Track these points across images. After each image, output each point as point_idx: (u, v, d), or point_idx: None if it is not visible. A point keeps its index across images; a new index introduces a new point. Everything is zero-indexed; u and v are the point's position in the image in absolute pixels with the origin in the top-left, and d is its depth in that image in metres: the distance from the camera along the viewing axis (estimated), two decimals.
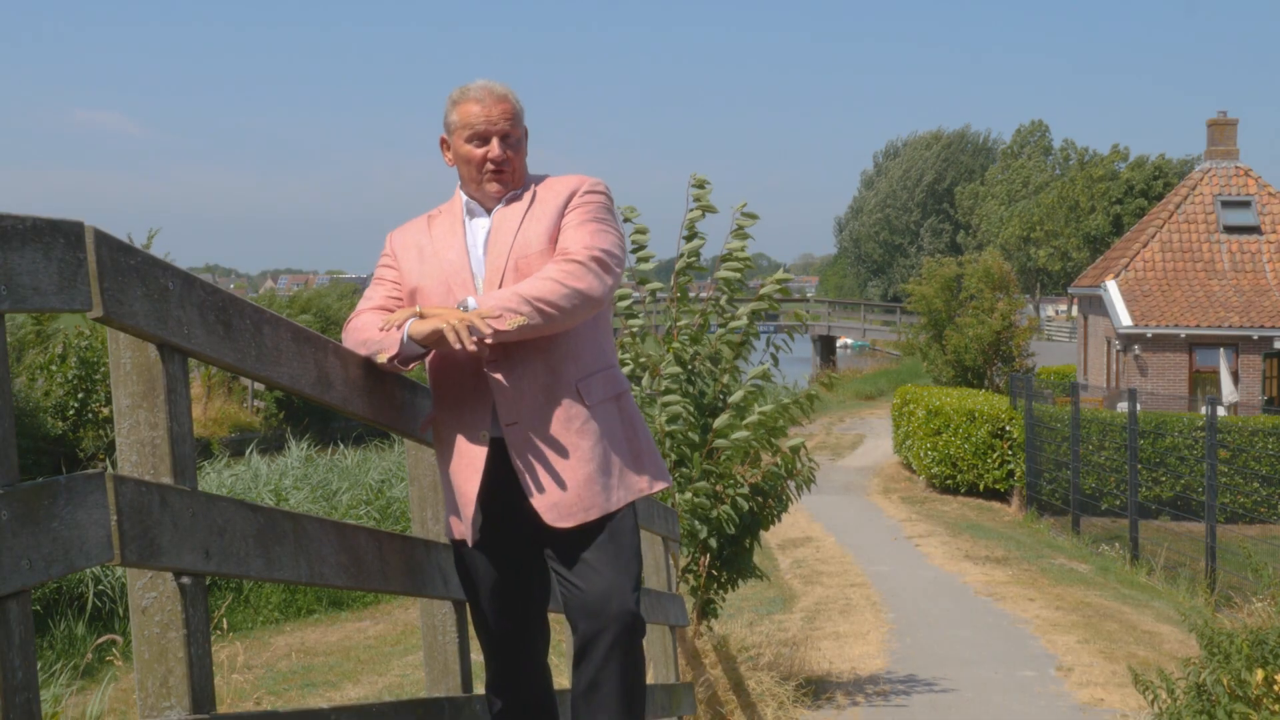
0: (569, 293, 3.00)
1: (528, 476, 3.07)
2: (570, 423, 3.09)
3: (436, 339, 2.97)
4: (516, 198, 3.20)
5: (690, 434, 7.64)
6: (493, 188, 3.18)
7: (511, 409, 3.07)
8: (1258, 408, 24.49)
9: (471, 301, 2.99)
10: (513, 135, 3.17)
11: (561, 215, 3.15)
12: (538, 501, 3.07)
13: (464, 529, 3.16)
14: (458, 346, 2.96)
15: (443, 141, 3.25)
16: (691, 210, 7.57)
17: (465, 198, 3.24)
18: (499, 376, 3.08)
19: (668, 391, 7.57)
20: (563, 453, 3.08)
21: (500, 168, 3.16)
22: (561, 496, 3.07)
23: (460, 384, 3.13)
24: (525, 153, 3.23)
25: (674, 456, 7.67)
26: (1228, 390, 24.49)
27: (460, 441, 3.14)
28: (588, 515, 3.08)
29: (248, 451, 20.92)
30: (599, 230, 3.14)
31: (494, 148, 3.15)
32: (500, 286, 3.08)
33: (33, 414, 22.07)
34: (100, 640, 8.62)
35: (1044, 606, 11.88)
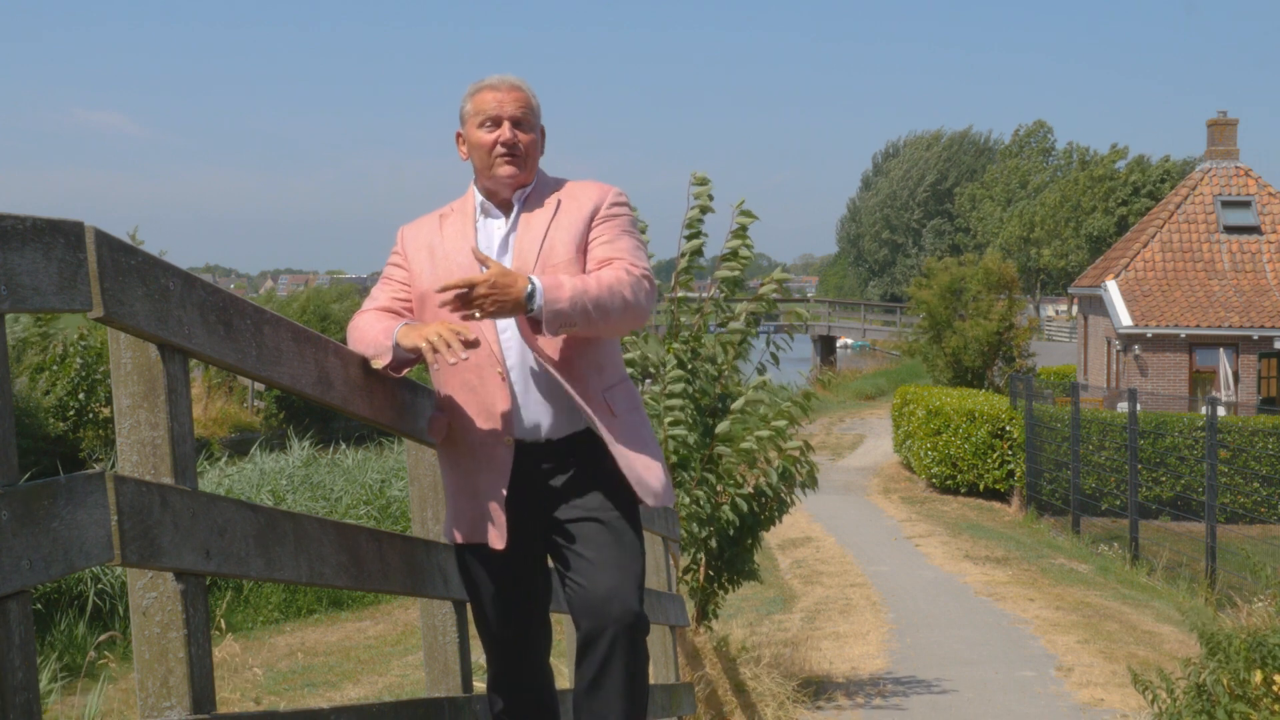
0: (624, 309, 3.00)
1: (617, 449, 3.11)
2: (609, 429, 3.12)
3: (420, 353, 2.99)
4: (539, 203, 3.17)
5: (690, 436, 7.63)
6: (505, 170, 3.13)
7: (545, 419, 3.10)
8: (1255, 408, 24.47)
9: (538, 283, 2.90)
10: (525, 122, 3.15)
11: (588, 225, 3.13)
12: (630, 475, 3.13)
13: (496, 535, 3.14)
14: (436, 366, 3.01)
15: (458, 136, 3.23)
16: (691, 209, 7.57)
17: (479, 197, 3.21)
18: (527, 389, 3.09)
19: (671, 396, 7.56)
20: (626, 443, 3.13)
21: (512, 150, 3.13)
22: (641, 474, 3.13)
23: (475, 390, 3.12)
24: (540, 148, 3.21)
25: (675, 459, 7.67)
26: (1226, 391, 24.50)
27: (481, 447, 3.13)
28: (662, 500, 3.18)
29: (245, 449, 20.92)
30: (635, 244, 3.15)
31: (504, 130, 3.13)
32: None
33: (33, 414, 22.07)
34: (101, 639, 8.62)
35: (1044, 607, 11.88)
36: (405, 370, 3.12)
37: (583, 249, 3.11)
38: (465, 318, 2.92)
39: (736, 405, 7.67)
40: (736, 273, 7.79)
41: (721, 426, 7.65)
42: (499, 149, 3.13)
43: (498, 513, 3.12)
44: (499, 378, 3.09)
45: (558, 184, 3.23)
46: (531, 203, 3.18)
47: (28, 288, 1.82)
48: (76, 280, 1.94)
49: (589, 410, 3.08)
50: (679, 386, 7.58)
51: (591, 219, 3.14)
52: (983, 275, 30.72)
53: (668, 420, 7.50)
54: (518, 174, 3.14)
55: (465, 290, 2.88)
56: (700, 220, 7.60)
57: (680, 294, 7.86)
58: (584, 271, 3.08)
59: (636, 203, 3.31)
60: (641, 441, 3.17)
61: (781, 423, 7.74)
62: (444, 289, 2.91)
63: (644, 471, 3.13)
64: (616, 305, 2.98)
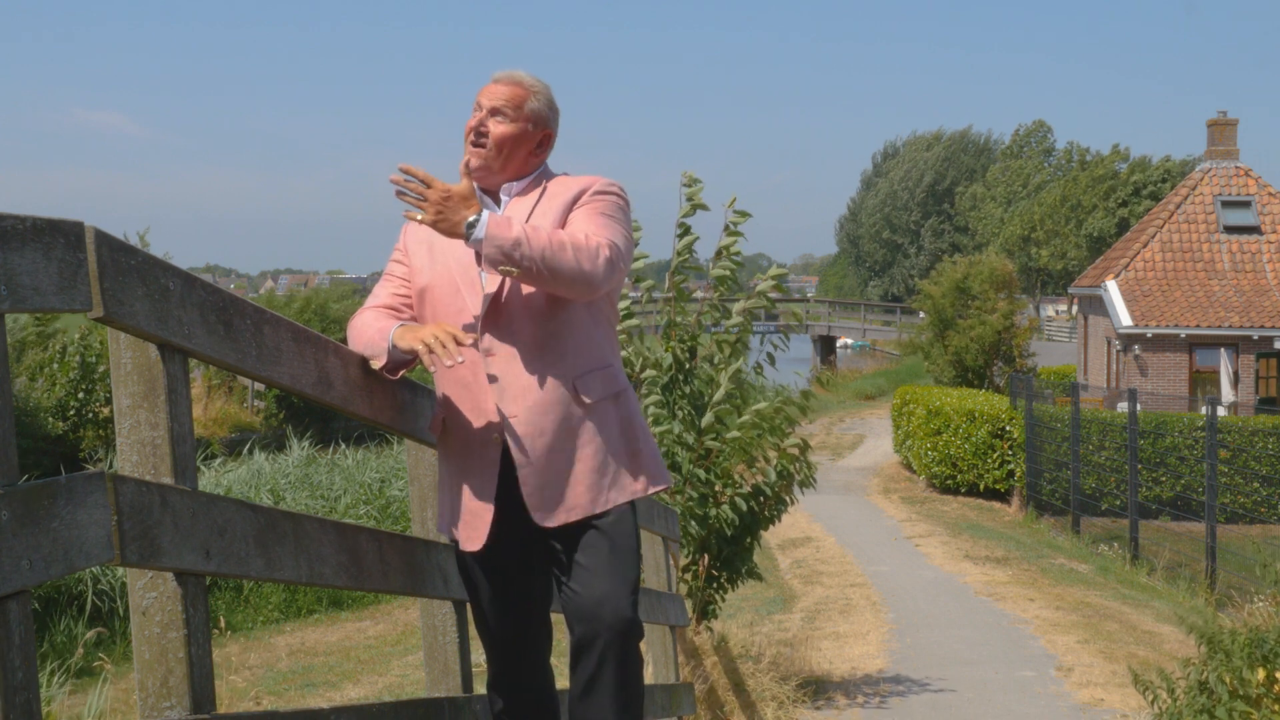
0: (575, 270, 2.96)
1: (523, 471, 3.07)
2: (566, 421, 3.08)
3: (416, 354, 2.99)
4: (528, 190, 3.19)
5: (685, 435, 7.63)
6: (470, 156, 3.15)
7: (511, 403, 3.07)
8: (1253, 408, 24.47)
9: (485, 215, 2.93)
10: (505, 114, 3.15)
11: (569, 209, 3.13)
12: (528, 498, 3.08)
13: (475, 536, 3.13)
14: (433, 369, 3.00)
15: None
16: (684, 208, 7.57)
17: (478, 191, 3.21)
18: (496, 371, 3.07)
19: (648, 394, 7.56)
20: (556, 450, 3.07)
21: (478, 140, 3.15)
22: (549, 494, 3.07)
23: (469, 386, 3.12)
24: (526, 146, 3.18)
25: (667, 460, 7.66)
26: (1226, 391, 24.50)
27: (471, 444, 3.12)
28: (570, 515, 3.08)
29: (245, 449, 20.91)
30: (610, 223, 3.12)
31: (475, 118, 3.17)
32: (504, 281, 3.07)
33: (33, 414, 22.08)
34: (88, 635, 8.60)
35: (1044, 606, 11.88)
36: (402, 371, 3.12)
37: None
38: (409, 214, 2.99)
39: (717, 397, 7.65)
40: (729, 270, 7.79)
41: (706, 419, 7.63)
42: (471, 135, 3.16)
43: (484, 512, 3.12)
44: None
45: (552, 177, 3.24)
46: (520, 192, 3.20)
47: (28, 288, 1.82)
48: (76, 280, 1.94)
49: (552, 396, 3.06)
50: (653, 388, 7.57)
51: (574, 202, 3.15)
52: (988, 274, 30.74)
53: (649, 421, 7.50)
54: (479, 165, 3.14)
55: (422, 184, 2.93)
56: (691, 218, 7.59)
57: (675, 294, 7.85)
58: None
59: (635, 203, 3.29)
60: (593, 446, 3.11)
61: (762, 404, 7.74)
62: (404, 169, 2.95)
63: (575, 482, 3.09)
64: (566, 263, 2.95)
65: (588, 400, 3.10)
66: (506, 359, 3.07)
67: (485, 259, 2.93)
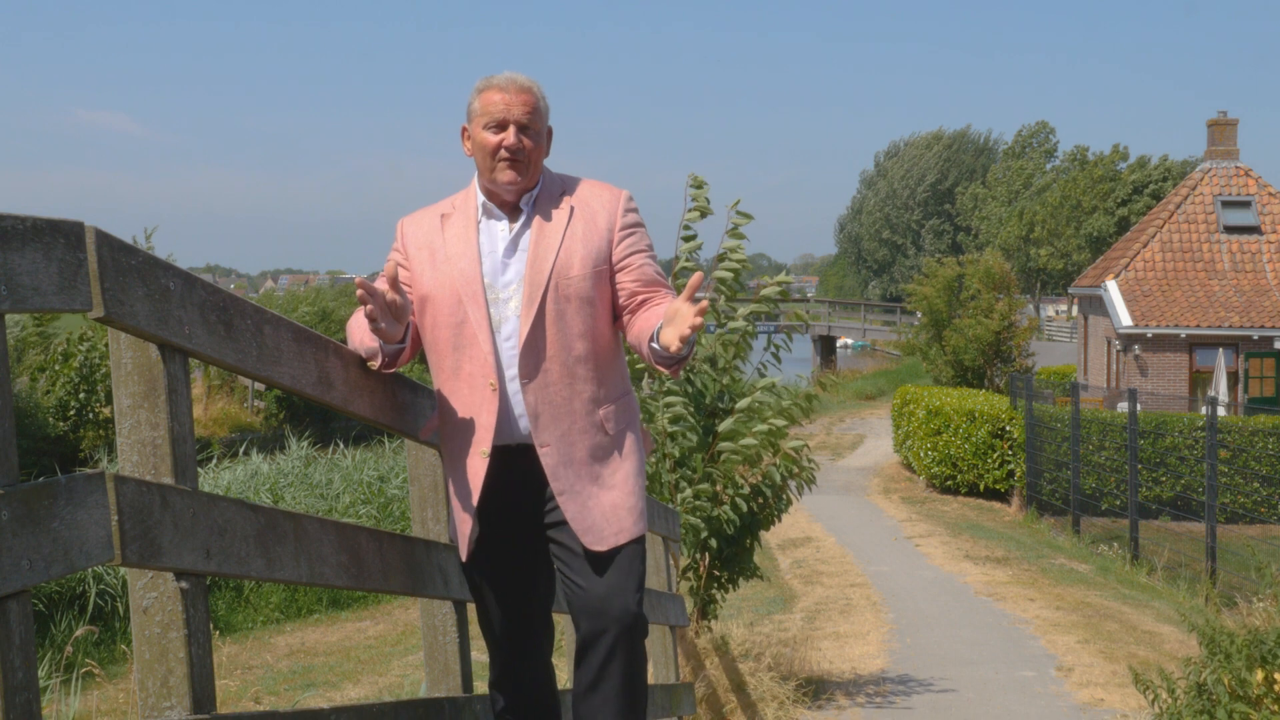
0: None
1: (563, 499, 3.09)
2: (597, 450, 3.12)
3: (404, 337, 3.05)
4: (552, 205, 3.14)
5: (690, 434, 7.64)
6: (505, 175, 3.09)
7: (543, 432, 3.08)
8: (1242, 407, 24.45)
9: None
10: (531, 127, 3.11)
11: (607, 242, 3.13)
12: (573, 523, 3.09)
13: (463, 543, 3.18)
14: (388, 298, 3.04)
15: (464, 130, 3.19)
16: (689, 210, 7.57)
17: (482, 197, 3.18)
18: (529, 400, 3.08)
19: (670, 392, 7.57)
20: (589, 479, 3.10)
21: (514, 156, 3.09)
22: (595, 520, 3.10)
23: (468, 399, 3.12)
24: (545, 151, 3.17)
25: (675, 456, 7.67)
26: (1221, 389, 24.51)
27: (462, 454, 3.14)
28: (618, 540, 3.12)
29: (241, 450, 20.92)
30: (658, 264, 3.22)
31: (509, 135, 3.08)
32: (540, 304, 3.06)
33: (33, 414, 22.08)
34: (78, 634, 8.59)
35: (1044, 607, 11.88)
36: (401, 363, 3.11)
37: (601, 270, 3.11)
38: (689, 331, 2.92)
39: (742, 405, 7.67)
40: (732, 273, 7.79)
41: (725, 425, 7.65)
42: (502, 153, 3.09)
43: (467, 522, 3.15)
44: (489, 389, 3.08)
45: (565, 183, 3.20)
46: (542, 204, 3.15)
47: (28, 288, 1.82)
48: (77, 280, 1.94)
49: (581, 425, 3.10)
50: (675, 385, 7.59)
51: (609, 234, 3.13)
52: (983, 274, 30.74)
53: (666, 417, 7.50)
54: (518, 180, 3.11)
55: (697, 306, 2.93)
56: (697, 221, 7.59)
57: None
58: (601, 289, 3.11)
59: (637, 203, 3.30)
60: (623, 472, 3.16)
61: (781, 421, 7.74)
62: (694, 296, 2.92)
63: (617, 507, 3.13)
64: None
65: (612, 431, 3.14)
66: (538, 389, 3.08)
67: (680, 365, 3.02)
